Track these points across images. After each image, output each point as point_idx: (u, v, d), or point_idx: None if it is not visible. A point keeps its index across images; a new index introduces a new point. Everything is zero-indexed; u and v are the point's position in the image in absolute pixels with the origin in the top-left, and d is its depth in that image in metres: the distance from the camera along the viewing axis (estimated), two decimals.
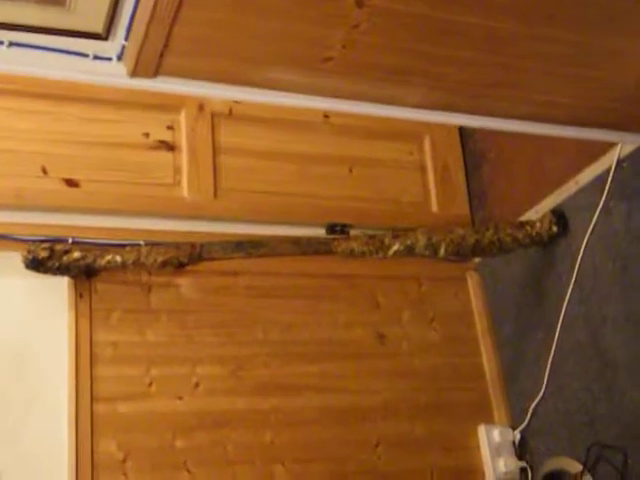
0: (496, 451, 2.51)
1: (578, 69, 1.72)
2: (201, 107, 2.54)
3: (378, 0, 1.46)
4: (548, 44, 1.61)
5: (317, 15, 1.48)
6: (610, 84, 1.79)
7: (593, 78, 1.76)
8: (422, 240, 2.41)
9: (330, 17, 1.49)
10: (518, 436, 2.53)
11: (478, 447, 2.53)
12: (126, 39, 1.50)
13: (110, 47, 1.52)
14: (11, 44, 1.47)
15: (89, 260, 2.21)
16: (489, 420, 2.58)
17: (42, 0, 1.41)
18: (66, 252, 2.19)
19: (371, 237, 2.43)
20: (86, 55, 1.51)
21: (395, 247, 2.41)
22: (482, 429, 2.54)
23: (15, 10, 1.41)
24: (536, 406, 2.47)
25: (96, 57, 1.52)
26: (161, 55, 1.51)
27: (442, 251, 2.42)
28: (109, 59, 1.54)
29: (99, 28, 1.48)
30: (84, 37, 1.48)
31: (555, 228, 2.42)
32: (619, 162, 2.23)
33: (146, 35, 1.44)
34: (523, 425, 2.52)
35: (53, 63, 1.50)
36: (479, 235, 2.45)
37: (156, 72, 1.55)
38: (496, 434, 2.53)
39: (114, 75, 1.55)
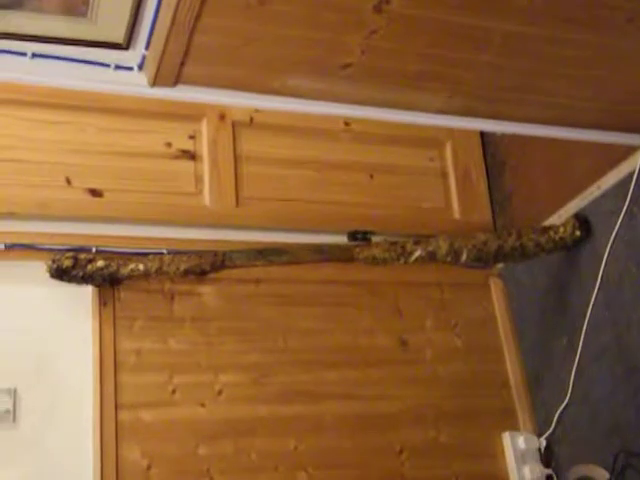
0: (521, 458, 2.49)
1: (598, 71, 1.71)
2: (222, 116, 2.55)
3: (396, 6, 1.46)
4: (567, 47, 1.61)
5: (336, 21, 1.49)
6: (631, 86, 1.78)
7: (613, 80, 1.75)
8: (444, 246, 2.40)
9: (349, 23, 1.50)
10: (544, 443, 2.51)
11: (503, 454, 2.51)
12: (147, 48, 1.52)
13: (131, 57, 1.54)
14: (34, 55, 1.49)
15: (112, 269, 2.23)
16: (514, 427, 2.55)
17: (64, 11, 1.43)
18: (90, 261, 2.21)
19: (393, 244, 2.42)
20: (107, 65, 1.54)
21: (417, 253, 2.40)
22: (507, 436, 2.51)
23: (37, 22, 1.43)
24: (561, 413, 2.45)
25: (117, 67, 1.55)
26: (181, 64, 1.53)
27: (464, 257, 2.41)
28: (130, 69, 1.56)
29: (120, 38, 1.50)
30: (105, 47, 1.51)
31: (579, 233, 2.40)
32: None
33: (166, 44, 1.46)
34: (549, 432, 2.49)
35: (75, 73, 1.53)
36: (501, 241, 2.43)
37: (176, 81, 1.57)
38: (521, 441, 2.51)
39: (135, 84, 1.57)
